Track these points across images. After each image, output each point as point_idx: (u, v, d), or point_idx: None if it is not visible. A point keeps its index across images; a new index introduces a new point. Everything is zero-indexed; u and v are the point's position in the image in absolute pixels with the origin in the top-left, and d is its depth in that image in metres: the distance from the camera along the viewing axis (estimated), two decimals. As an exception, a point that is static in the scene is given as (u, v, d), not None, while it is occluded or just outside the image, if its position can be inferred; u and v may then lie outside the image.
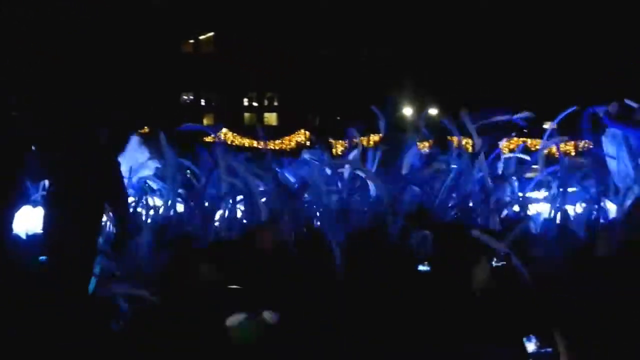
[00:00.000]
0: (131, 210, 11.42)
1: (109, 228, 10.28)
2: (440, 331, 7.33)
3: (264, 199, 11.41)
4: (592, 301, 5.68)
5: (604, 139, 12.40)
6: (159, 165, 13.27)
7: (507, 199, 12.06)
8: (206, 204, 11.67)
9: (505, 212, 11.88)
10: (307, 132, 55.97)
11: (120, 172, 9.35)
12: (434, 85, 60.25)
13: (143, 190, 12.54)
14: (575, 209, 12.20)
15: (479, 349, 6.93)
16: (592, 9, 56.83)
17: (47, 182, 9.55)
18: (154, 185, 12.78)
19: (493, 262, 8.72)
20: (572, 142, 14.63)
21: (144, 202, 12.18)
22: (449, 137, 13.19)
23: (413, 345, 7.22)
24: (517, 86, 56.40)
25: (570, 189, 12.30)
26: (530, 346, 6.42)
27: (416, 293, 8.22)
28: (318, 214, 11.60)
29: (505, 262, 8.67)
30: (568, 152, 14.06)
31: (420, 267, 9.38)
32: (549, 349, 6.15)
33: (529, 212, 11.68)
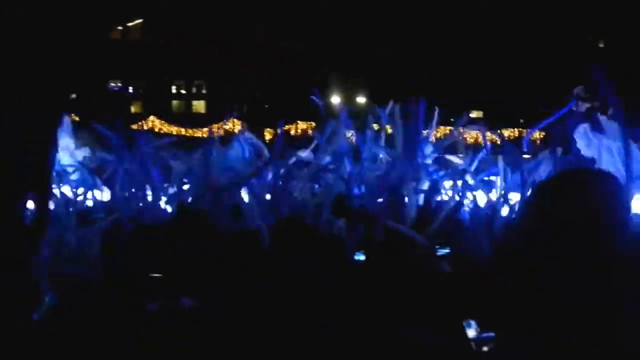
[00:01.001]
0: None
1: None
2: (376, 318, 7.32)
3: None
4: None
5: (575, 135, 12.38)
6: (87, 154, 13.17)
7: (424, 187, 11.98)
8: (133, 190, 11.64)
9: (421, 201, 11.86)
10: (235, 120, 55.80)
11: (47, 161, 9.23)
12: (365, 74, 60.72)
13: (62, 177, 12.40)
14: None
15: (415, 334, 6.90)
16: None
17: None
18: (75, 175, 12.63)
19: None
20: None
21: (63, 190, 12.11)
22: (375, 126, 13.15)
23: (348, 333, 7.18)
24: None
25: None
26: (471, 331, 6.36)
27: (350, 281, 8.20)
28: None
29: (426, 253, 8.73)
30: (494, 140, 14.00)
31: (356, 257, 9.38)
32: (491, 334, 6.12)
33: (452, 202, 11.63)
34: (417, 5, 62.13)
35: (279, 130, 13.11)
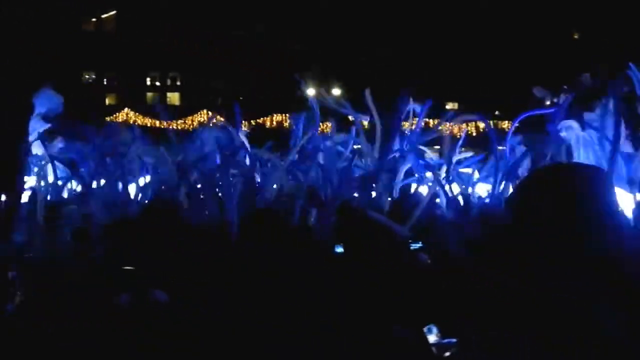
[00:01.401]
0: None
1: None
2: (357, 312, 7.27)
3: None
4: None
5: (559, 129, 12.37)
6: (62, 145, 13.14)
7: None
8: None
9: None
10: (210, 112, 55.81)
11: (20, 157, 9.17)
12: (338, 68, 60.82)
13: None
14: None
15: (406, 333, 6.83)
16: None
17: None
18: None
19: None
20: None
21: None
22: (349, 118, 13.15)
23: (337, 331, 7.10)
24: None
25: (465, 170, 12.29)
26: (431, 337, 6.27)
27: (328, 274, 8.15)
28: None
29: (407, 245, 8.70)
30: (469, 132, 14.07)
31: (337, 249, 9.34)
32: (452, 340, 6.05)
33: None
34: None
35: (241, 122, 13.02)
